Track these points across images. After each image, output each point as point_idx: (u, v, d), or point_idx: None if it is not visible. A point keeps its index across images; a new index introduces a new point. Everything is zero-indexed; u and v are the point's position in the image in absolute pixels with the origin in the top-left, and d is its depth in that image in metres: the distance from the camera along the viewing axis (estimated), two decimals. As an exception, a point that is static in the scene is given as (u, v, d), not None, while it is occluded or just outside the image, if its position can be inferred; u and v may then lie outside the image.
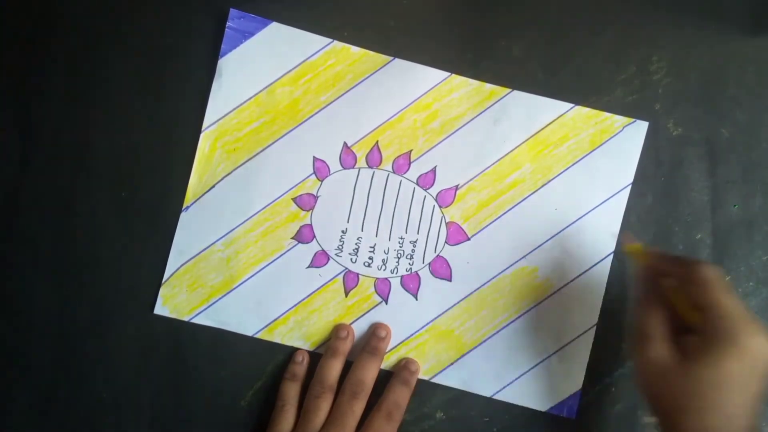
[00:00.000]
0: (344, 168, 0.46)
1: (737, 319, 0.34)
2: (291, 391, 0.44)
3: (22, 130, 0.46)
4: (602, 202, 0.46)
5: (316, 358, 0.45)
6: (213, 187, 0.46)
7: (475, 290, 0.46)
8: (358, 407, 0.43)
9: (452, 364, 0.46)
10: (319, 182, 0.46)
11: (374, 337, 0.45)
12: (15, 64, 0.46)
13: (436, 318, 0.46)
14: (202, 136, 0.46)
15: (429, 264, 0.46)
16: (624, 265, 0.46)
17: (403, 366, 0.45)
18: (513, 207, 0.46)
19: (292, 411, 0.44)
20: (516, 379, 0.46)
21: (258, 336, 0.46)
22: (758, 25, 0.46)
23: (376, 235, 0.46)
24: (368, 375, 0.43)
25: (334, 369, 0.44)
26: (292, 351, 0.46)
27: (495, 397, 0.46)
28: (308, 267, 0.46)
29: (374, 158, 0.46)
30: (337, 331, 0.45)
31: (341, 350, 0.45)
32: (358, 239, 0.46)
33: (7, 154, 0.46)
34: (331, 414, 0.43)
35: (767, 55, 0.46)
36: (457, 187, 0.46)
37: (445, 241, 0.46)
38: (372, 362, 0.44)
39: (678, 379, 0.34)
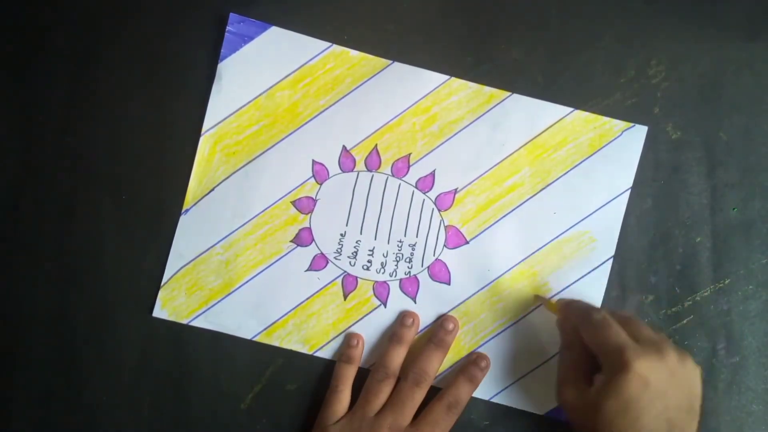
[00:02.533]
0: (343, 171, 0.46)
1: (623, 350, 0.37)
2: (347, 373, 0.45)
3: (23, 133, 0.47)
4: (601, 206, 0.46)
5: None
6: (212, 190, 0.46)
7: (473, 294, 0.46)
8: (419, 395, 0.44)
9: (451, 367, 0.46)
10: (318, 185, 0.46)
11: (442, 329, 0.45)
12: (16, 67, 0.47)
13: (434, 321, 0.46)
14: (201, 139, 0.46)
15: (428, 267, 0.46)
16: (623, 269, 0.46)
17: (473, 361, 0.45)
18: (512, 211, 0.46)
19: (347, 393, 0.45)
20: (515, 382, 0.45)
21: (257, 339, 0.46)
22: (755, 30, 0.46)
23: (375, 239, 0.46)
24: (432, 366, 0.44)
25: (398, 356, 0.45)
26: (291, 354, 0.46)
27: (493, 401, 0.46)
28: (307, 270, 0.46)
29: (373, 161, 0.46)
30: (402, 319, 0.46)
31: (406, 338, 0.45)
32: (356, 242, 0.46)
33: (9, 156, 0.46)
34: (391, 399, 0.44)
35: (764, 60, 0.46)
36: (456, 191, 0.46)
37: (444, 245, 0.46)
38: (437, 354, 0.45)
39: (593, 415, 0.38)
